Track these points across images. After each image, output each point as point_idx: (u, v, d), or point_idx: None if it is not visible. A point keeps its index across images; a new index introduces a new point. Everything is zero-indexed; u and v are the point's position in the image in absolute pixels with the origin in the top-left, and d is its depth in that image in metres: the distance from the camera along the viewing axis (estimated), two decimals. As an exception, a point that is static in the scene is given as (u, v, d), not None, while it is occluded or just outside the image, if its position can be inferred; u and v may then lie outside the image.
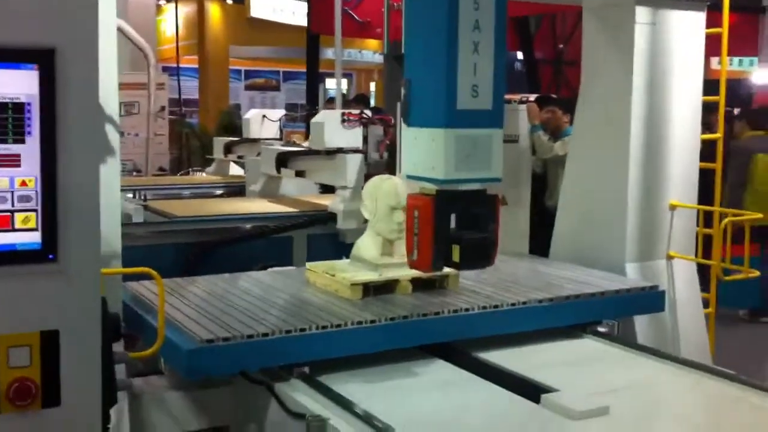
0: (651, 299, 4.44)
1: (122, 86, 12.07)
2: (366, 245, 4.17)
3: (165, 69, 14.87)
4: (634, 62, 5.04)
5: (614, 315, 4.36)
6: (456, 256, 3.55)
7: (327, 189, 8.04)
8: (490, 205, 3.69)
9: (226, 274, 4.56)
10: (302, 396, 3.37)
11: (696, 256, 5.35)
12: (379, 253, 4.13)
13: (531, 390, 3.45)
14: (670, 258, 5.24)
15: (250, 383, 3.60)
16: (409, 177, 3.76)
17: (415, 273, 4.08)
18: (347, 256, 6.23)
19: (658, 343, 4.84)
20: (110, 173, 3.63)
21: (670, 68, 5.18)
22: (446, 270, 4.16)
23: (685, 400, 3.61)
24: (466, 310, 3.84)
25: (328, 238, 6.38)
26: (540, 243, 6.65)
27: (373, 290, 3.98)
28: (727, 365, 3.93)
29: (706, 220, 5.49)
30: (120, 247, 3.72)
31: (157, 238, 5.88)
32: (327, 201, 6.74)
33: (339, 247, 6.28)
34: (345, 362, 3.61)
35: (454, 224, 3.61)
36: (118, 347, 3.60)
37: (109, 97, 3.60)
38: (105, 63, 3.55)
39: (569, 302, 4.12)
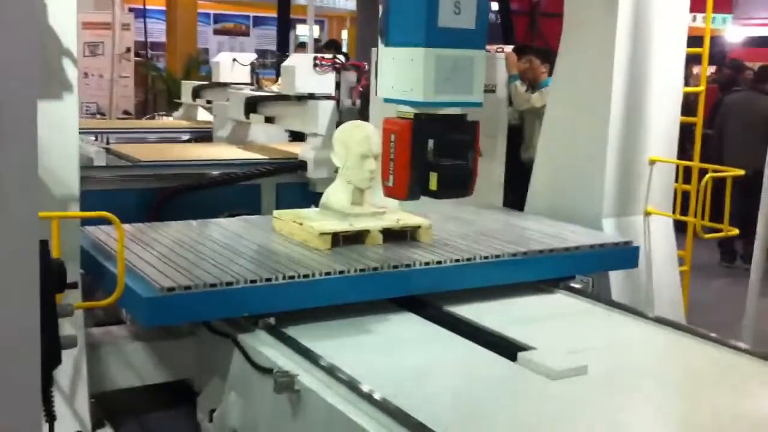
0: (625, 255, 4.37)
1: (86, 25, 11.81)
2: (336, 194, 4.05)
3: (131, 10, 14.52)
4: (619, 11, 4.91)
5: (588, 270, 4.30)
6: (433, 184, 3.47)
7: (297, 137, 7.90)
8: (470, 131, 3.60)
9: (190, 221, 4.42)
10: (268, 349, 3.26)
11: (674, 212, 5.29)
12: (349, 201, 4.01)
13: (506, 347, 3.37)
14: (647, 214, 5.18)
15: (214, 335, 3.51)
16: (386, 100, 3.65)
17: (385, 223, 3.98)
18: (317, 205, 6.19)
19: (633, 300, 4.78)
20: (68, 111, 3.46)
21: (655, 19, 5.05)
22: (418, 221, 4.07)
23: (661, 360, 3.55)
24: (438, 262, 3.74)
25: (297, 187, 6.26)
26: (515, 196, 6.59)
27: (343, 240, 3.86)
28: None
29: (685, 176, 5.42)
30: (78, 190, 3.56)
31: (120, 183, 5.74)
32: (297, 149, 6.60)
33: (309, 196, 6.16)
34: (312, 314, 3.51)
35: (432, 150, 3.51)
36: (75, 298, 3.50)
37: (67, 25, 3.42)
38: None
39: (543, 256, 4.03)
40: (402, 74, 3.45)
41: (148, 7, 14.28)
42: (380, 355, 3.30)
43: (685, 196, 5.34)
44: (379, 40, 3.60)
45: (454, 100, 3.49)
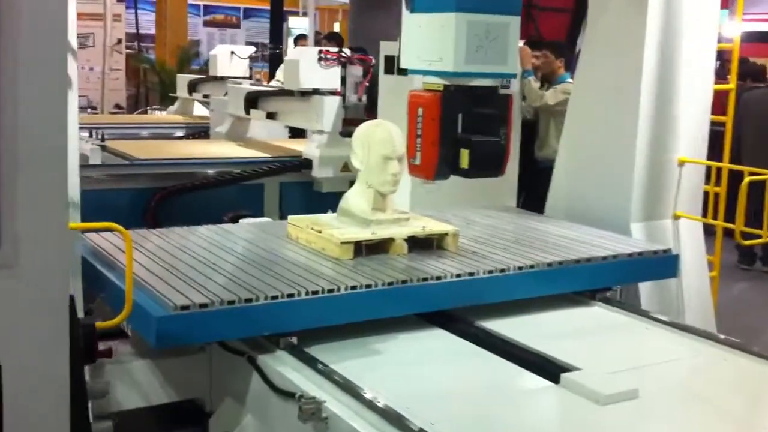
0: (664, 264, 4.09)
1: (76, 16, 11.45)
2: (356, 198, 3.74)
3: (120, 0, 14.15)
4: (648, 6, 4.63)
5: (627, 280, 4.03)
6: (464, 162, 3.25)
7: (296, 133, 7.61)
8: (503, 105, 3.38)
9: (197, 226, 4.11)
10: (290, 371, 2.98)
11: (705, 216, 5.02)
12: (371, 207, 3.71)
13: (547, 367, 3.09)
14: (676, 218, 4.91)
15: (229, 353, 3.22)
16: (411, 71, 3.42)
17: (410, 231, 3.69)
18: (322, 206, 5.87)
19: (663, 309, 4.52)
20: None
21: (685, 12, 4.78)
22: (444, 228, 3.79)
23: (714, 380, 3.28)
24: (471, 274, 3.45)
25: (302, 186, 5.99)
26: (527, 196, 6.31)
27: (365, 249, 3.57)
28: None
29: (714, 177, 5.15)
30: (79, 196, 3.27)
31: (117, 182, 5.46)
32: (300, 146, 6.32)
33: (313, 196, 5.90)
34: (335, 331, 3.22)
35: (462, 126, 3.29)
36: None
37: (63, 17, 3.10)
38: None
39: (580, 266, 3.74)
40: (429, 43, 3.22)
41: (138, -3, 13.92)
42: (412, 377, 3.01)
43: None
44: (404, 6, 3.37)
45: (486, 71, 3.25)
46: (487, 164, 3.36)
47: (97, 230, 3.65)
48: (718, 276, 5.19)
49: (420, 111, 3.25)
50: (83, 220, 3.31)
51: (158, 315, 2.90)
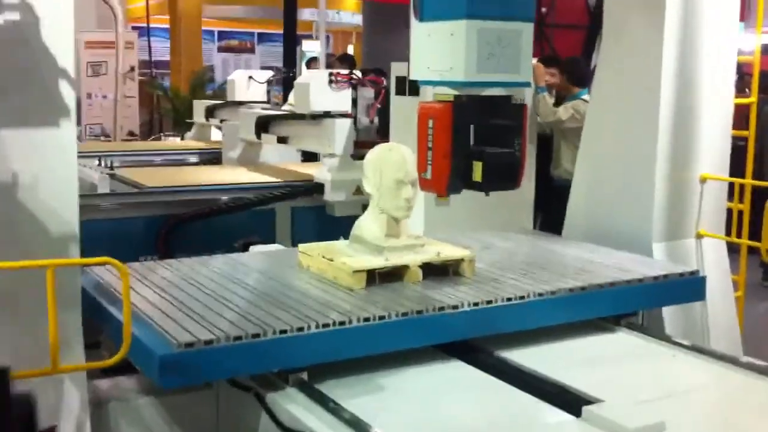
0: (692, 286, 3.86)
1: (88, 44, 11.43)
2: (368, 224, 3.55)
3: (135, 29, 14.08)
4: (666, 20, 4.43)
5: (653, 305, 3.82)
6: (477, 175, 3.10)
7: (309, 157, 7.45)
8: (517, 115, 3.22)
9: (205, 257, 3.93)
10: (300, 410, 2.79)
11: (729, 234, 4.80)
12: (384, 233, 3.51)
13: (568, 399, 2.89)
14: (699, 237, 4.69)
15: (237, 389, 3.02)
16: (422, 83, 3.29)
17: (425, 257, 3.49)
18: (335, 230, 5.68)
19: (687, 331, 4.31)
20: (65, 139, 2.99)
21: (703, 26, 4.58)
22: (460, 253, 3.59)
23: (744, 410, 3.06)
24: (489, 302, 3.25)
25: (314, 210, 5.82)
26: (544, 215, 6.12)
27: (379, 278, 3.38)
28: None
29: (733, 193, 4.94)
30: (77, 228, 3.07)
31: (126, 211, 5.32)
32: (312, 170, 6.15)
33: (326, 220, 5.74)
34: (348, 365, 3.03)
35: (474, 137, 3.15)
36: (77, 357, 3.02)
37: (63, 43, 2.95)
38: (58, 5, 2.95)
39: (604, 291, 3.53)
40: (440, 52, 3.08)
41: (151, 25, 13.80)
42: (427, 414, 2.82)
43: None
44: (412, 15, 3.20)
45: (499, 80, 3.11)
46: (502, 177, 3.22)
47: (92, 265, 3.47)
48: (743, 296, 4.96)
49: (430, 122, 3.11)
50: (91, 249, 3.16)
51: (161, 353, 2.71)
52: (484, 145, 3.14)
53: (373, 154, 3.52)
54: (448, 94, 3.12)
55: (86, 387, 3.14)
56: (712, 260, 4.71)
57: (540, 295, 3.36)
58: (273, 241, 5.41)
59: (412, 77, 3.32)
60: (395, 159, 3.44)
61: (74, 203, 3.08)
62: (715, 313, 4.58)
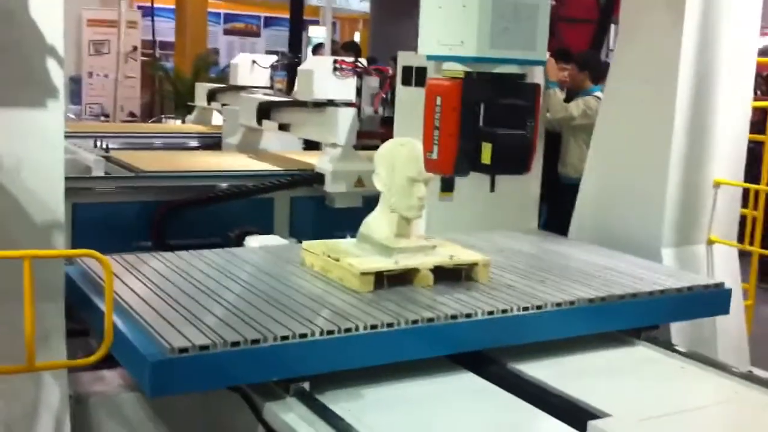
0: (717, 299, 3.53)
1: (91, 23, 11.04)
2: (378, 223, 3.21)
3: (139, 8, 13.62)
4: (685, 18, 4.11)
5: (674, 318, 3.52)
6: (486, 157, 2.86)
7: (310, 145, 7.12)
8: (529, 95, 2.98)
9: (203, 250, 3.59)
10: (300, 423, 2.48)
11: (742, 242, 4.50)
12: (394, 233, 3.19)
13: (574, 413, 2.62)
14: (710, 243, 4.39)
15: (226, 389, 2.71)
16: (430, 58, 3.01)
17: (437, 260, 3.17)
18: (334, 223, 5.37)
19: (694, 340, 4.01)
20: (52, 121, 2.66)
21: (723, 25, 4.26)
22: (474, 257, 3.27)
23: (760, 428, 2.77)
24: (504, 311, 2.93)
25: (313, 201, 5.50)
26: (551, 214, 5.81)
27: (387, 281, 3.05)
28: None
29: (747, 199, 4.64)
30: (62, 216, 2.75)
31: (120, 195, 5.01)
32: (313, 159, 5.83)
33: (325, 212, 5.42)
34: (353, 375, 2.71)
35: (484, 117, 2.90)
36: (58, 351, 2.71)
37: (52, 19, 2.62)
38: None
39: (625, 302, 3.21)
40: (450, 25, 2.85)
41: (156, 5, 13.35)
42: (432, 429, 2.53)
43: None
44: None
45: (512, 56, 2.88)
46: (512, 160, 2.97)
47: (73, 257, 3.15)
48: (752, 305, 4.67)
49: (438, 100, 2.88)
50: (83, 234, 2.86)
51: (153, 360, 2.39)
52: (494, 125, 2.90)
53: (384, 150, 3.18)
54: (458, 70, 2.90)
55: (67, 382, 2.83)
56: (723, 268, 4.41)
57: (558, 305, 3.04)
58: (270, 232, 5.10)
59: (420, 51, 3.07)
60: (408, 155, 3.10)
61: (60, 189, 2.77)
62: (724, 322, 4.27)
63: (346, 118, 5.34)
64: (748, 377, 3.05)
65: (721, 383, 3.03)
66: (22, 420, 2.73)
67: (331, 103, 5.40)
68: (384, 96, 5.41)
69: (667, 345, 3.31)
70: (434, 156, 2.95)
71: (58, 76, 2.63)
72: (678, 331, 3.95)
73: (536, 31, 2.91)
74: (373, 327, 2.69)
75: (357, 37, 14.31)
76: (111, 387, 3.09)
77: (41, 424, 2.74)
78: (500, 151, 2.88)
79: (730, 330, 4.34)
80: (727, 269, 4.43)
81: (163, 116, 10.11)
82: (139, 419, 3.01)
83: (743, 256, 4.60)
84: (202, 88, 8.04)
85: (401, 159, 3.12)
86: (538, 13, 2.89)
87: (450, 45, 2.89)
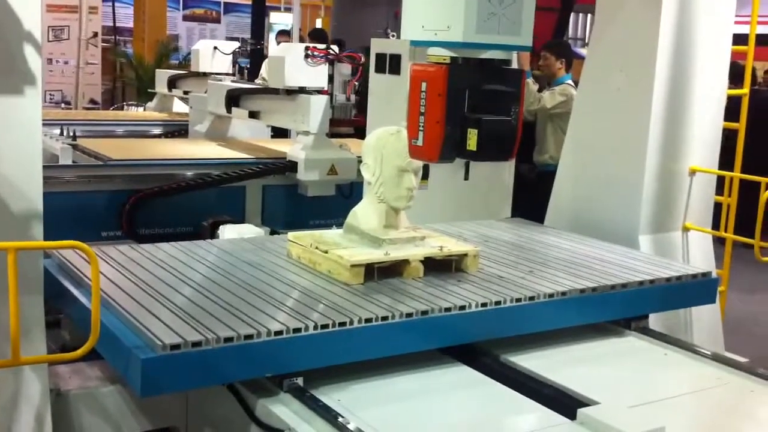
0: (705, 289, 3.50)
1: (50, 8, 10.72)
2: (366, 214, 3.11)
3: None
4: (662, 5, 4.07)
5: (664, 307, 3.49)
6: (472, 144, 2.88)
7: (278, 133, 6.97)
8: (515, 81, 2.99)
9: (183, 242, 3.46)
10: (295, 419, 2.39)
11: (718, 228, 4.49)
12: (383, 224, 3.09)
13: (564, 401, 2.59)
14: (686, 230, 4.37)
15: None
16: (414, 43, 3.03)
17: (427, 251, 3.08)
18: (306, 211, 5.27)
19: (671, 325, 4.00)
20: (30, 108, 2.52)
21: (700, 12, 4.23)
22: (464, 248, 3.19)
23: (746, 414, 2.77)
24: (497, 303, 2.86)
25: (285, 189, 5.36)
26: (522, 201, 5.75)
27: (378, 273, 2.96)
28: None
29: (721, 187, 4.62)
30: (41, 206, 2.62)
31: (89, 184, 4.80)
32: (284, 147, 5.69)
33: (298, 200, 5.30)
34: (345, 369, 2.62)
35: (470, 103, 2.91)
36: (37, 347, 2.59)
37: (29, 5, 2.48)
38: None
39: (616, 293, 3.16)
40: (436, 9, 2.83)
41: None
42: (428, 422, 2.46)
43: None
44: None
45: (498, 42, 2.87)
46: (497, 147, 2.98)
47: (58, 248, 3.01)
48: (726, 291, 4.67)
49: (424, 86, 2.88)
50: (51, 224, 2.72)
51: (145, 356, 2.26)
52: (480, 112, 2.89)
53: (372, 139, 3.07)
54: (444, 55, 2.86)
55: (47, 375, 2.70)
56: (698, 255, 4.42)
57: (550, 296, 2.97)
58: (242, 220, 4.99)
59: (404, 37, 3.05)
60: (397, 145, 2.99)
61: (38, 179, 2.64)
62: (699, 308, 4.27)
63: (318, 105, 5.21)
64: (730, 363, 3.04)
65: (709, 371, 3.01)
66: (2, 414, 2.62)
67: (302, 90, 5.27)
68: (356, 84, 5.30)
69: (659, 335, 3.27)
70: (419, 143, 2.93)
71: (35, 62, 2.49)
72: (655, 318, 3.93)
73: (522, 16, 2.89)
74: (368, 321, 2.60)
75: (319, 24, 14.11)
76: (91, 380, 2.96)
77: (22, 418, 2.64)
78: (486, 137, 2.86)
79: (704, 316, 4.34)
80: (702, 256, 4.43)
81: (125, 103, 9.85)
82: (120, 412, 2.89)
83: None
84: (163, 75, 7.81)
85: (390, 149, 3.01)
86: None
87: (435, 30, 2.83)
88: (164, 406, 2.88)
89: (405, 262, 2.99)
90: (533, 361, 2.88)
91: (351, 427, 2.30)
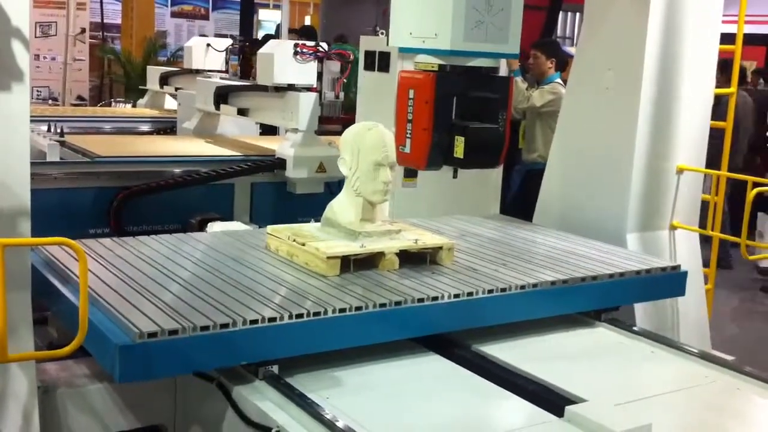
0: (674, 282, 3.72)
1: (38, 3, 10.94)
2: (342, 207, 3.33)
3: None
4: (651, 5, 4.27)
5: (634, 299, 3.70)
6: (459, 151, 2.98)
7: (267, 130, 7.18)
8: (502, 88, 3.10)
9: (167, 235, 3.68)
10: (269, 405, 2.60)
11: (706, 227, 4.69)
12: (359, 217, 3.31)
13: (549, 398, 2.76)
14: (673, 228, 4.58)
15: (197, 377, 2.81)
16: (402, 50, 3.13)
17: (402, 244, 3.30)
18: (295, 208, 5.46)
19: (658, 323, 4.22)
20: (17, 105, 2.69)
21: (688, 12, 4.44)
22: (438, 241, 3.40)
23: (730, 412, 2.94)
24: (470, 294, 3.07)
25: (274, 186, 5.57)
26: (511, 199, 5.97)
27: (354, 265, 3.18)
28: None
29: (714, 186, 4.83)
30: (29, 202, 2.80)
31: (76, 181, 4.99)
32: (272, 144, 5.90)
33: (286, 197, 5.51)
34: (320, 358, 2.83)
35: (457, 110, 3.03)
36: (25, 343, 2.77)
37: (19, 2, 2.67)
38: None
39: (586, 285, 3.38)
40: (424, 17, 2.93)
41: (103, -15, 13.25)
42: (402, 411, 2.65)
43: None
44: None
45: (486, 50, 2.98)
46: (484, 154, 3.10)
47: (47, 245, 3.20)
48: (712, 289, 4.88)
49: (411, 93, 2.99)
50: (39, 221, 2.90)
51: (121, 343, 2.47)
52: (467, 119, 3.00)
53: (349, 134, 3.29)
54: (432, 62, 2.97)
55: (35, 372, 2.88)
56: (685, 253, 4.61)
57: (522, 287, 3.19)
58: (231, 217, 5.18)
59: (392, 43, 3.17)
60: (374, 139, 3.21)
61: (26, 175, 2.80)
62: (686, 305, 4.48)
63: (307, 103, 5.41)
64: (717, 361, 3.23)
65: (689, 367, 3.19)
66: None
67: (291, 87, 5.47)
68: (344, 81, 5.50)
69: (627, 327, 3.48)
70: (407, 150, 3.05)
71: (23, 58, 2.66)
72: (642, 314, 4.14)
73: (509, 24, 3.01)
74: (342, 310, 2.81)
75: (308, 21, 14.32)
76: (78, 378, 3.14)
77: (9, 416, 2.77)
78: (473, 145, 2.99)
79: (691, 313, 4.54)
80: (689, 254, 4.63)
81: (112, 100, 10.07)
82: (107, 410, 3.07)
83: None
84: (154, 72, 8.02)
85: (366, 144, 3.22)
86: (511, 6, 2.98)
87: (423, 38, 2.96)
88: (152, 404, 3.06)
89: (380, 255, 3.21)
90: (506, 352, 3.08)
91: (327, 414, 2.48)
